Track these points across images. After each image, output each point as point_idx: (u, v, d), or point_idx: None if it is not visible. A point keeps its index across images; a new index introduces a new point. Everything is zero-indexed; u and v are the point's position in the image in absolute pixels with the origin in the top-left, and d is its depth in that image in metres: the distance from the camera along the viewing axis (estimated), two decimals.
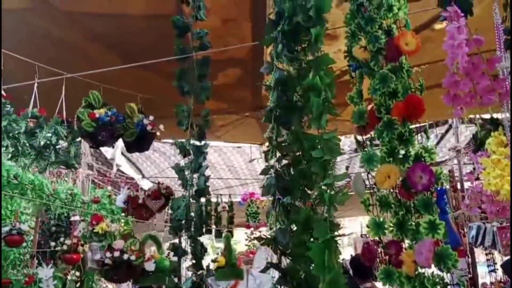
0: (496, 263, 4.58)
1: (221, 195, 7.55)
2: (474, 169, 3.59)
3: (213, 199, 6.87)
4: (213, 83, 3.34)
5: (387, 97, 2.16)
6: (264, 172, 2.30)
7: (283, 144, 2.32)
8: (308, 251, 1.92)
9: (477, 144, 3.26)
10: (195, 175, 2.48)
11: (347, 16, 2.38)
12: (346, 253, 7.93)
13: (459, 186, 5.45)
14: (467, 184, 5.19)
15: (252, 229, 7.38)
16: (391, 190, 2.08)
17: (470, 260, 4.39)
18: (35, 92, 3.88)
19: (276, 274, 2.12)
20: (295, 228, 2.19)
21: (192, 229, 2.44)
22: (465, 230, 4.47)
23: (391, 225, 2.03)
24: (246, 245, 7.47)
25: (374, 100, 2.26)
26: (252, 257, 6.22)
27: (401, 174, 2.02)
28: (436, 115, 5.07)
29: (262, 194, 2.25)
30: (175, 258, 2.43)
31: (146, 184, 8.19)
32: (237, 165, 8.17)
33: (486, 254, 4.58)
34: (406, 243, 1.99)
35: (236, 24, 3.70)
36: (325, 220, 1.94)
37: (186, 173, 2.52)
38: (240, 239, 8.16)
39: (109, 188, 7.22)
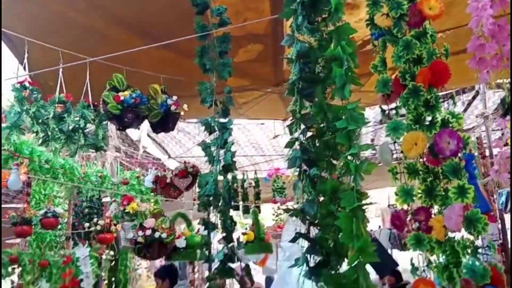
0: None
1: (246, 171, 7.61)
2: (502, 134, 3.53)
3: (239, 176, 6.92)
4: (234, 60, 3.34)
5: (412, 64, 2.13)
6: (289, 145, 2.31)
7: (307, 117, 2.32)
8: (336, 220, 1.94)
9: (505, 109, 3.20)
10: (222, 151, 2.52)
11: None
12: (374, 224, 7.94)
13: (487, 153, 5.36)
14: (496, 151, 5.09)
15: (278, 204, 7.45)
16: (419, 157, 2.07)
17: (500, 226, 4.35)
18: (60, 77, 3.95)
19: (305, 244, 2.15)
20: (322, 199, 2.21)
21: (221, 203, 2.49)
22: (495, 196, 4.42)
23: (420, 192, 2.03)
24: (273, 219, 7.55)
25: (398, 67, 2.23)
26: (280, 231, 6.30)
27: (428, 140, 2.01)
28: (463, 82, 4.95)
29: (288, 167, 2.27)
30: (206, 233, 2.49)
31: (172, 164, 8.31)
32: (261, 141, 8.20)
33: None
34: (435, 208, 1.99)
35: None
36: (352, 189, 1.96)
37: (213, 149, 2.56)
38: (267, 215, 8.23)
39: (137, 169, 7.37)
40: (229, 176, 2.56)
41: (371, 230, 5.97)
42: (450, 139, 1.90)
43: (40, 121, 3.83)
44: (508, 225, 4.55)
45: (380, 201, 8.00)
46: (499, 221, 4.32)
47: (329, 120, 2.21)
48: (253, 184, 7.17)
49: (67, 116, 3.84)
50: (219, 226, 2.51)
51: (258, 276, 7.07)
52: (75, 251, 4.70)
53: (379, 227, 7.78)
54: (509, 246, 4.33)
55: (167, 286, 4.77)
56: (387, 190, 7.30)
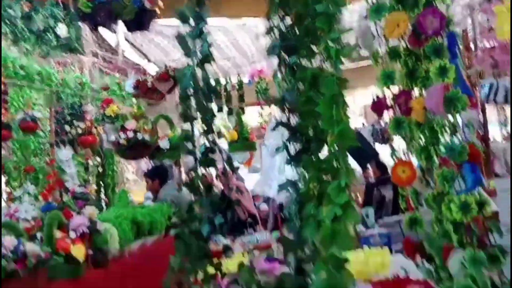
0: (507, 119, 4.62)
1: (229, 75, 7.47)
2: (488, 21, 3.44)
3: (222, 81, 6.80)
4: None
5: None
6: (268, 32, 2.21)
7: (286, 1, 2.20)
8: (316, 107, 1.91)
9: None
10: (198, 42, 2.41)
11: None
12: (358, 122, 8.05)
13: (472, 47, 5.30)
14: (480, 44, 5.02)
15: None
16: (401, 39, 2.01)
17: (482, 117, 4.40)
18: None
19: (286, 132, 2.14)
20: (302, 87, 2.16)
21: (200, 96, 2.43)
22: (477, 88, 4.42)
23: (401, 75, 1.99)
24: (258, 122, 7.58)
25: None
26: (264, 132, 6.34)
27: (411, 21, 1.94)
28: None
29: (268, 53, 2.19)
30: (186, 126, 2.46)
31: (152, 69, 8.13)
32: (243, 43, 7.98)
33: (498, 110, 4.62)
34: (416, 92, 1.97)
35: None
36: (332, 75, 1.91)
37: (189, 41, 2.44)
38: (252, 118, 8.25)
39: (117, 75, 7.21)
40: (208, 67, 2.47)
41: (355, 128, 6.04)
42: (433, 18, 1.82)
43: (7, 21, 3.63)
44: (488, 116, 4.63)
45: (363, 100, 8.04)
46: (481, 112, 4.37)
47: (308, 4, 2.09)
48: (237, 87, 7.07)
49: (35, 15, 3.64)
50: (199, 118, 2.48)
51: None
52: (56, 153, 4.71)
53: (363, 124, 7.91)
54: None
55: (157, 185, 4.88)
56: (370, 89, 7.29)
